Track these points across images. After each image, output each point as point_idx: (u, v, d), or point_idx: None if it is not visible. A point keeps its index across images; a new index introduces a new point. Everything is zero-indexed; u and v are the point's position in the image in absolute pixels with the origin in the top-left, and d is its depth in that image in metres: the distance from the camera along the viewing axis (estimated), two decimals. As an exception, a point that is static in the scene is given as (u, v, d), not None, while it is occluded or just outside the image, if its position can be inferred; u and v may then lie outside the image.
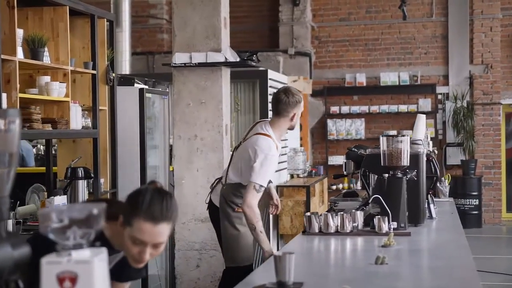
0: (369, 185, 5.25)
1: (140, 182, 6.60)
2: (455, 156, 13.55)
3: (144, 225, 2.51)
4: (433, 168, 5.60)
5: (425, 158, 5.18)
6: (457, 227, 5.06)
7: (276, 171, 5.62)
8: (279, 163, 6.32)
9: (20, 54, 5.04)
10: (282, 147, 5.81)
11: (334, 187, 13.47)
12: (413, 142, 5.84)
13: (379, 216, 4.63)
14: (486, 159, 13.60)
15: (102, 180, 6.29)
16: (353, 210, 4.79)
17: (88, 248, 1.97)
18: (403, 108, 13.59)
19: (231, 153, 5.53)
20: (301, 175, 10.56)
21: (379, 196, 4.77)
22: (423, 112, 13.48)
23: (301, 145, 13.11)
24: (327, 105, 13.97)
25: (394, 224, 4.68)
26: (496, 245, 11.96)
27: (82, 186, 5.88)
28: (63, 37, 5.60)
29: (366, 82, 13.89)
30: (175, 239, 6.61)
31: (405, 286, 3.15)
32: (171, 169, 7.16)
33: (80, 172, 5.84)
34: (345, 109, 13.88)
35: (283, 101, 4.99)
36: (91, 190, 6.06)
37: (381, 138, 4.95)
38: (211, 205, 5.20)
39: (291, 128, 5.11)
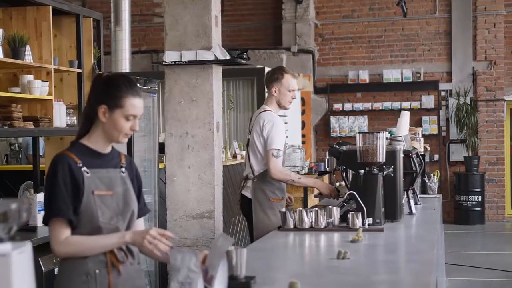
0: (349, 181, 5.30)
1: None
2: (458, 153, 13.54)
3: (134, 100, 3.10)
4: (413, 164, 5.63)
5: (402, 155, 5.19)
6: (433, 223, 5.07)
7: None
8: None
9: (-1, 53, 5.11)
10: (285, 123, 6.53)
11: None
12: (393, 139, 5.89)
13: (353, 212, 4.67)
14: (489, 155, 13.58)
15: (89, 177, 6.35)
16: (330, 206, 4.82)
17: (10, 242, 2.03)
18: (406, 105, 13.56)
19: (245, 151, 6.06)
20: (301, 172, 10.59)
21: (354, 192, 4.81)
22: (426, 109, 13.59)
23: (303, 142, 13.17)
24: (330, 102, 13.99)
25: (369, 220, 4.72)
26: (500, 241, 11.92)
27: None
28: (46, 36, 5.67)
29: (369, 79, 13.91)
30: (167, 235, 6.66)
31: (355, 280, 3.18)
32: (160, 166, 7.21)
33: (65, 169, 5.91)
34: (348, 106, 13.89)
35: (266, 76, 5.76)
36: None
37: (357, 135, 4.99)
38: (243, 199, 5.72)
39: (279, 104, 5.63)
